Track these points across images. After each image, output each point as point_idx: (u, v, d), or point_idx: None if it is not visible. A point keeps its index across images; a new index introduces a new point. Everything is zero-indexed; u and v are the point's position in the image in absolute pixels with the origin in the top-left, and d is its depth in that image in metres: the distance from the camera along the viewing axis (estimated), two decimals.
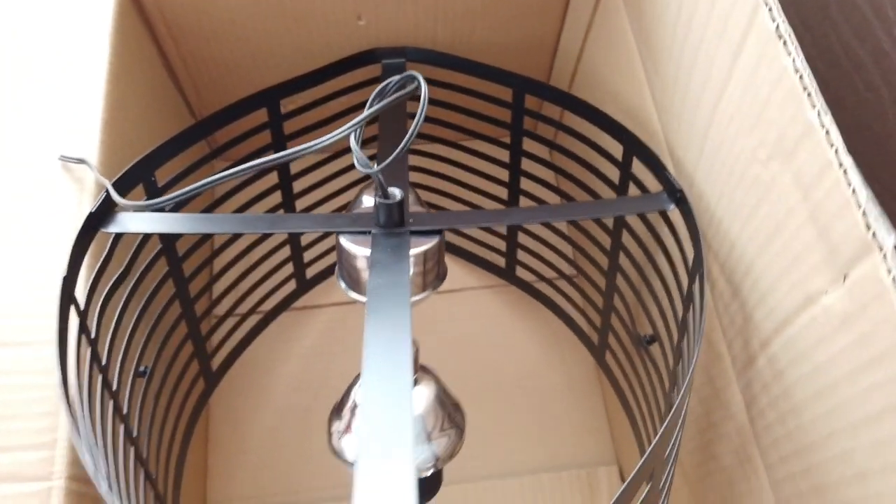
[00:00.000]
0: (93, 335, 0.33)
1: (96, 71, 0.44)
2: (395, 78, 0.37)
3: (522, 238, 0.59)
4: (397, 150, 0.34)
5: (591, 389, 0.64)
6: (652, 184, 0.42)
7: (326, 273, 0.62)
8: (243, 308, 0.56)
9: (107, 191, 0.37)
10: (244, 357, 0.59)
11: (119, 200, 0.34)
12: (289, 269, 0.59)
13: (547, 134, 0.60)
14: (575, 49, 0.57)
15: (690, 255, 0.36)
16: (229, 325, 0.56)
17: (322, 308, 0.65)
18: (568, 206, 0.41)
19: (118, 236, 0.37)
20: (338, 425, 0.33)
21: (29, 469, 0.34)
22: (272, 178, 0.54)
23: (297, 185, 0.56)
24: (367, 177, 0.61)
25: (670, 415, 0.24)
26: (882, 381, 0.23)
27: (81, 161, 0.40)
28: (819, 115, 0.24)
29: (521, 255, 0.61)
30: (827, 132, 0.24)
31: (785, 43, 0.26)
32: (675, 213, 0.39)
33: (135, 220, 0.37)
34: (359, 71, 0.56)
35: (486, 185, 0.59)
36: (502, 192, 0.59)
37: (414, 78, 0.36)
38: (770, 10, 0.27)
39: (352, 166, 0.59)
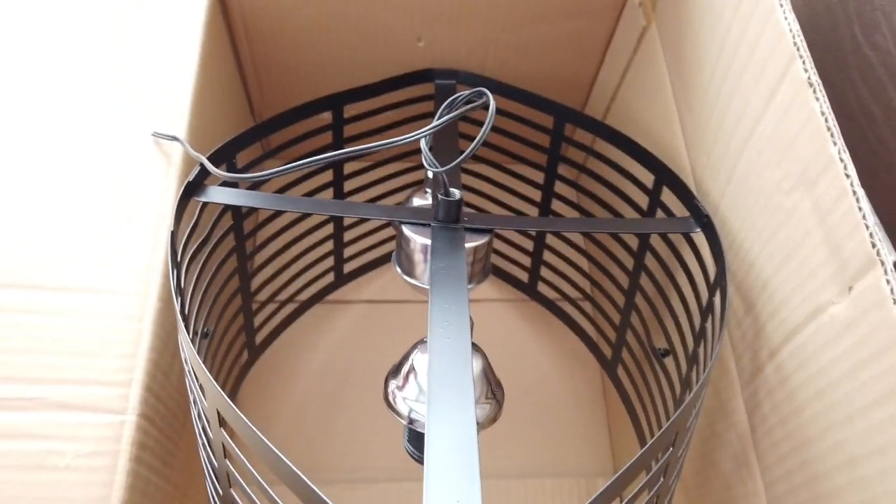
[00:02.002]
0: (182, 286, 0.37)
1: (187, 64, 0.49)
2: (465, 92, 0.42)
3: (547, 255, 0.64)
4: (462, 156, 0.39)
5: (595, 404, 0.68)
6: (678, 212, 0.47)
7: (362, 270, 0.67)
8: (284, 295, 0.61)
9: (201, 164, 0.41)
10: (277, 342, 0.63)
11: (217, 172, 0.39)
12: (329, 262, 0.63)
13: (579, 159, 0.65)
14: (611, 86, 0.62)
15: (712, 272, 0.40)
16: (270, 308, 0.60)
17: (353, 304, 0.69)
18: (609, 221, 0.46)
19: (204, 206, 0.42)
20: (394, 384, 0.37)
21: (106, 402, 0.38)
22: (326, 177, 0.59)
23: (347, 186, 0.61)
24: (412, 183, 0.66)
25: (696, 387, 0.28)
26: (877, 374, 0.27)
27: (174, 138, 0.45)
28: (839, 151, 0.29)
29: (544, 272, 0.65)
30: (845, 165, 0.29)
31: (814, 90, 0.31)
32: (698, 237, 0.44)
33: (221, 194, 0.42)
34: (413, 88, 0.62)
35: (518, 204, 0.64)
36: (533, 211, 0.63)
37: (483, 93, 0.41)
38: (803, 61, 0.32)
39: (394, 175, 0.65)
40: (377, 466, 0.62)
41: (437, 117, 0.41)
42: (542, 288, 0.66)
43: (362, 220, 0.64)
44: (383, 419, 0.64)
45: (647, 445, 0.25)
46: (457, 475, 0.25)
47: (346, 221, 0.62)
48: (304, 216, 0.58)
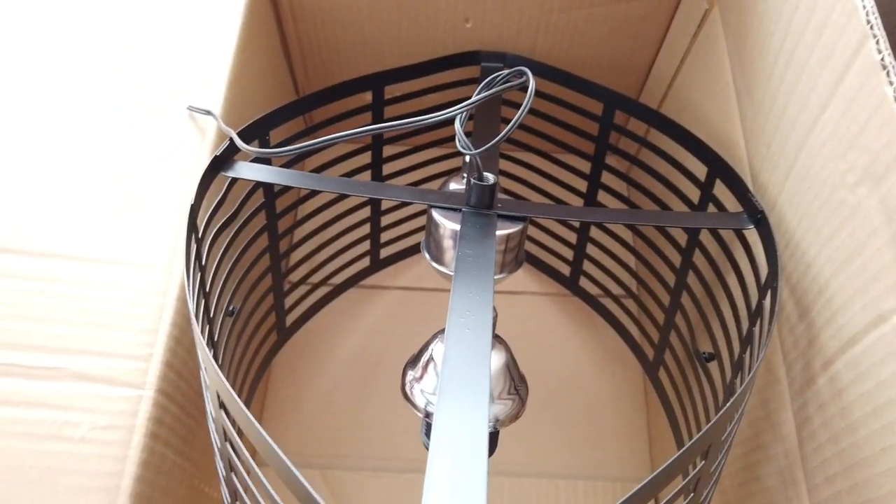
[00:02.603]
0: (203, 262, 0.37)
1: (227, 39, 0.48)
2: (505, 71, 0.40)
3: (590, 249, 0.61)
4: (498, 137, 0.37)
5: (636, 407, 0.65)
6: (731, 207, 0.44)
7: (399, 256, 0.65)
8: (317, 278, 0.60)
9: (230, 139, 0.40)
10: (310, 324, 0.62)
11: (243, 146, 0.38)
12: (365, 246, 0.62)
13: (629, 149, 0.62)
14: (668, 73, 0.59)
15: (763, 272, 0.37)
16: (302, 291, 0.59)
17: (388, 290, 0.68)
18: (655, 213, 0.43)
19: (233, 182, 0.41)
20: (412, 374, 0.35)
21: (125, 376, 0.38)
22: (364, 159, 0.58)
23: (386, 169, 0.59)
24: (452, 170, 0.64)
25: (734, 397, 0.26)
26: None
27: (208, 112, 0.44)
28: None
29: (587, 266, 0.62)
30: None
31: (888, 73, 0.28)
32: (750, 234, 0.41)
33: (250, 170, 0.41)
34: (458, 70, 0.59)
35: (563, 195, 0.61)
36: (578, 202, 0.61)
37: (523, 73, 0.39)
38: (877, 41, 0.28)
39: (435, 160, 0.63)
40: (405, 457, 0.61)
41: (475, 94, 0.39)
42: (584, 283, 0.64)
43: (400, 205, 0.62)
44: (413, 409, 0.63)
45: (672, 458, 0.23)
46: (461, 479, 0.23)
47: (384, 206, 0.61)
48: (341, 198, 0.57)
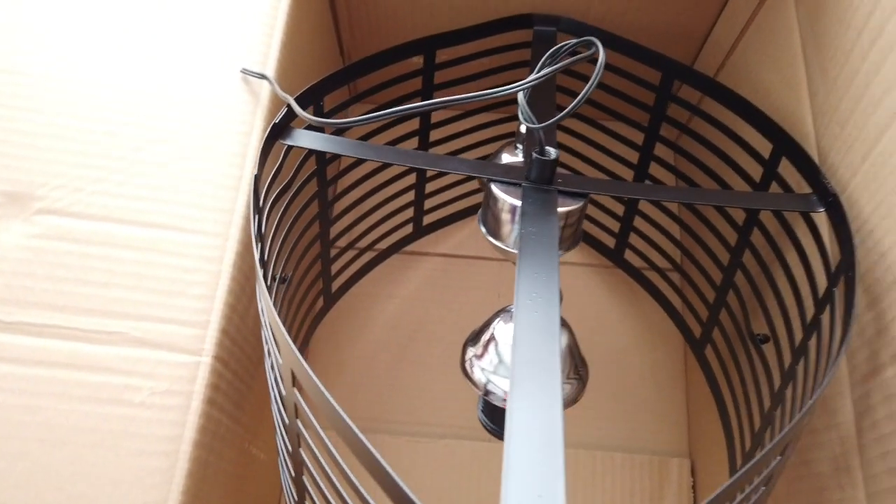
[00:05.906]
0: (263, 230, 0.36)
1: (278, 2, 0.47)
2: (570, 42, 0.38)
3: (637, 222, 0.60)
4: (565, 112, 0.36)
5: (675, 383, 0.65)
6: (795, 186, 0.43)
7: (441, 223, 0.65)
8: (362, 244, 0.60)
9: (288, 106, 0.40)
10: (353, 289, 0.62)
11: (303, 115, 0.37)
12: (409, 213, 0.62)
13: (681, 118, 0.60)
14: (728, 41, 0.57)
15: (833, 258, 0.36)
16: (348, 257, 0.59)
17: (430, 256, 0.67)
18: (718, 193, 0.42)
19: (289, 150, 0.40)
20: (473, 351, 0.35)
21: (184, 342, 0.38)
22: (412, 125, 0.57)
23: (434, 135, 0.58)
24: (501, 136, 0.63)
25: (813, 398, 0.25)
26: None
27: (263, 77, 0.43)
28: None
29: (633, 239, 0.61)
30: None
31: None
32: (818, 217, 0.39)
33: (308, 138, 0.40)
34: (510, 34, 0.58)
35: (613, 165, 0.60)
36: (628, 173, 0.59)
37: (591, 43, 0.37)
38: None
39: (484, 125, 0.62)
40: (443, 423, 0.62)
41: (538, 68, 0.37)
42: (629, 256, 0.63)
43: (446, 172, 0.61)
44: (452, 375, 0.63)
45: (754, 460, 0.22)
46: (539, 465, 0.23)
47: (430, 172, 0.60)
48: (388, 164, 0.56)
